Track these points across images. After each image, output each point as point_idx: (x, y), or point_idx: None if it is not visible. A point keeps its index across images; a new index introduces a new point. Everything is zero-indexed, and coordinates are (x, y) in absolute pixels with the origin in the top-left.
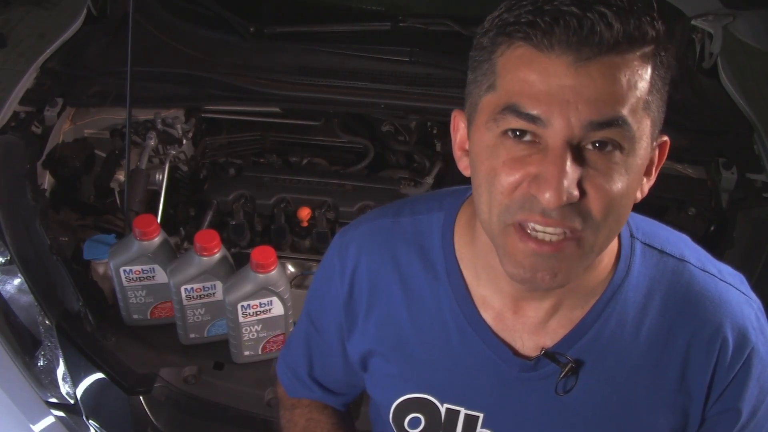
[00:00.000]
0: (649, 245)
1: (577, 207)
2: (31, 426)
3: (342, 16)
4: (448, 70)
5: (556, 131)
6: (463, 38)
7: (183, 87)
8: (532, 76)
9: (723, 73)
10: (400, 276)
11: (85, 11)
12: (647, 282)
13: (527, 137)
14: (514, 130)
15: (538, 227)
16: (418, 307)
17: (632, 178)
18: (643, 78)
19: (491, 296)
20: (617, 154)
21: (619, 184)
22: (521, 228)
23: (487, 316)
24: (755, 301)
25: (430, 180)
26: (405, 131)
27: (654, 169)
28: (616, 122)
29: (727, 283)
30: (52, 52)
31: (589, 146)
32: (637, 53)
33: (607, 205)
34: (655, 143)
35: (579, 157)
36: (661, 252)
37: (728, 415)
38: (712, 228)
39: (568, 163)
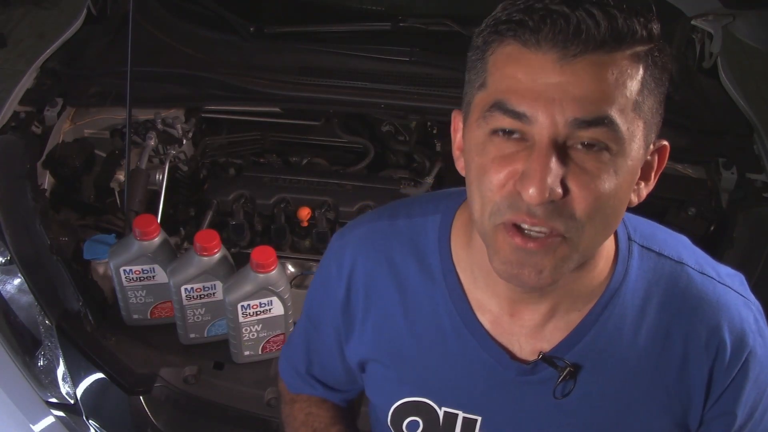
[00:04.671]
0: (646, 248)
1: (561, 206)
2: (31, 426)
3: (342, 16)
4: (448, 70)
5: (541, 128)
6: (463, 38)
7: (183, 87)
8: (519, 74)
9: (723, 73)
10: (396, 279)
11: (85, 11)
12: (645, 285)
13: (516, 135)
14: (503, 128)
15: (525, 226)
16: (414, 310)
17: (622, 179)
18: (632, 77)
19: (488, 299)
20: (605, 154)
21: (605, 184)
22: (512, 225)
23: (484, 319)
24: (754, 303)
25: (430, 180)
26: (405, 131)
27: (653, 174)
28: (602, 121)
29: (725, 286)
30: (52, 52)
31: (578, 145)
32: (627, 52)
33: (591, 204)
34: (652, 147)
35: (564, 155)
36: (659, 254)
37: (725, 419)
38: (712, 228)
39: (553, 160)
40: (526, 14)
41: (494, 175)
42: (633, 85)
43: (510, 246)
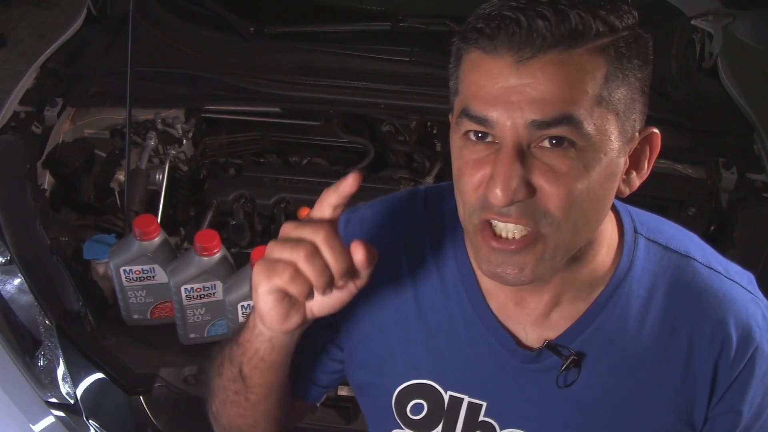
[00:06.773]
0: (653, 241)
1: (532, 204)
2: (31, 426)
3: (342, 16)
4: (448, 70)
5: (504, 131)
6: None
7: (183, 87)
8: (481, 79)
9: (723, 73)
10: (409, 259)
11: (85, 11)
12: (650, 277)
13: (488, 138)
14: (475, 132)
15: (499, 224)
16: (425, 291)
17: (596, 174)
18: (593, 73)
19: (494, 287)
20: (572, 150)
21: (576, 181)
22: (488, 225)
23: (492, 305)
24: (762, 301)
25: (430, 180)
26: (405, 131)
27: (646, 162)
28: (562, 120)
29: (733, 281)
30: (52, 52)
31: (545, 143)
32: (586, 47)
33: (564, 200)
34: (638, 136)
35: (530, 156)
36: (666, 248)
37: (730, 417)
38: (712, 228)
39: (516, 162)
40: (485, 22)
41: (468, 178)
42: (595, 80)
43: (489, 247)
